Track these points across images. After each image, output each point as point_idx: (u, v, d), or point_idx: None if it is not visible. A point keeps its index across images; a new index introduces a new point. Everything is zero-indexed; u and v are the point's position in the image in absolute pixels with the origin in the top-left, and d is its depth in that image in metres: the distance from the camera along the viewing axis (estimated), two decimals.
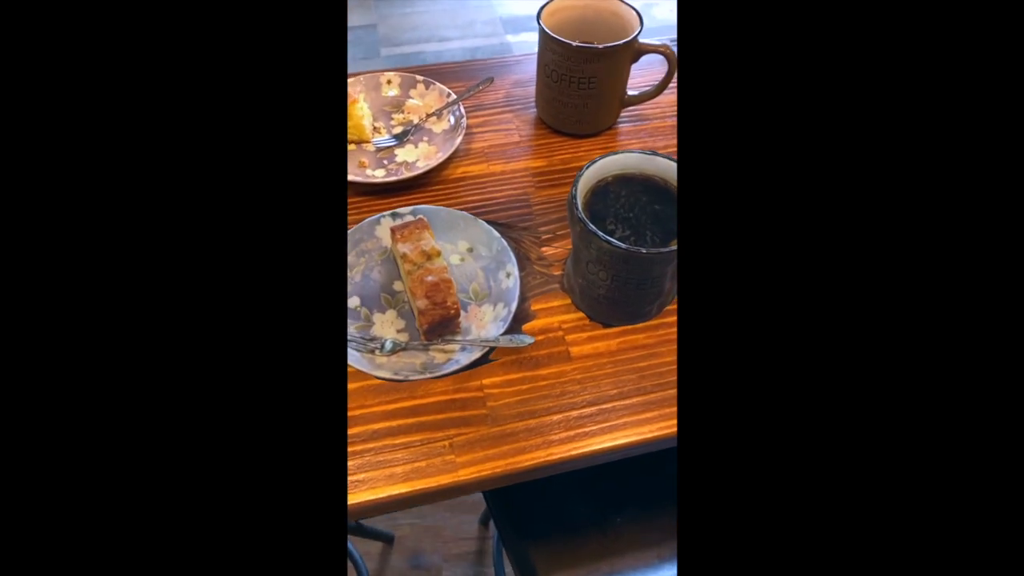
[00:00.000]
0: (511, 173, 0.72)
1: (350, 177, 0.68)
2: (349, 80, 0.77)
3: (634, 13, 0.69)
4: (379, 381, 0.55)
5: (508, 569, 1.05)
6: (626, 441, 0.52)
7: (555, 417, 0.53)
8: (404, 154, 0.74)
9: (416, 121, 0.77)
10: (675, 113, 0.79)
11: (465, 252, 0.64)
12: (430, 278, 0.57)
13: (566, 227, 0.66)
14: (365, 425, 0.53)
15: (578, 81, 0.68)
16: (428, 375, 0.54)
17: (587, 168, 0.54)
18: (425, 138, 0.76)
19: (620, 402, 0.54)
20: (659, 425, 0.53)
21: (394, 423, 0.53)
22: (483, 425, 0.53)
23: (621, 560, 0.70)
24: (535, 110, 0.78)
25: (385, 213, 0.65)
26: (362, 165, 0.72)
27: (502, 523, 0.74)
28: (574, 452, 0.52)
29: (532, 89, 0.80)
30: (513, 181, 0.71)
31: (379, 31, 2.33)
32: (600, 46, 0.66)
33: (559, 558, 0.70)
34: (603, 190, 0.56)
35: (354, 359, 0.55)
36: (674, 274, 0.55)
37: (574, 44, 0.66)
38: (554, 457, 0.51)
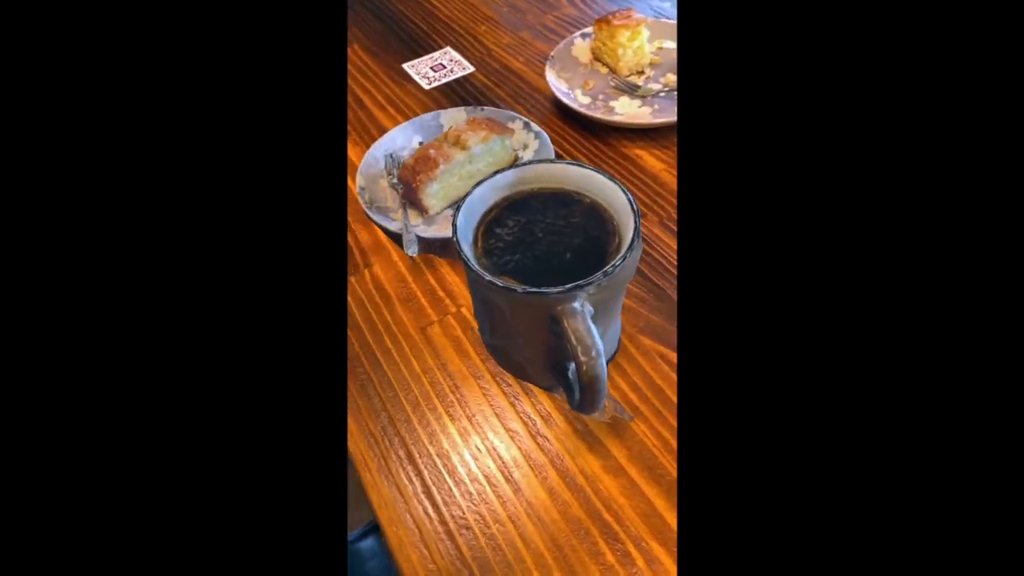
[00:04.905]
0: None
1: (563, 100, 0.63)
2: (635, 13, 0.70)
3: None
4: None
5: None
6: None
7: None
8: (621, 106, 0.67)
9: (668, 90, 0.69)
10: None
11: None
12: None
13: None
14: None
15: None
16: None
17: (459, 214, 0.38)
18: (655, 104, 0.66)
19: None
20: None
21: None
22: None
23: None
24: None
25: None
26: (586, 85, 0.72)
27: None
28: None
29: None
30: None
31: None
32: None
33: None
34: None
35: None
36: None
37: None
38: None
